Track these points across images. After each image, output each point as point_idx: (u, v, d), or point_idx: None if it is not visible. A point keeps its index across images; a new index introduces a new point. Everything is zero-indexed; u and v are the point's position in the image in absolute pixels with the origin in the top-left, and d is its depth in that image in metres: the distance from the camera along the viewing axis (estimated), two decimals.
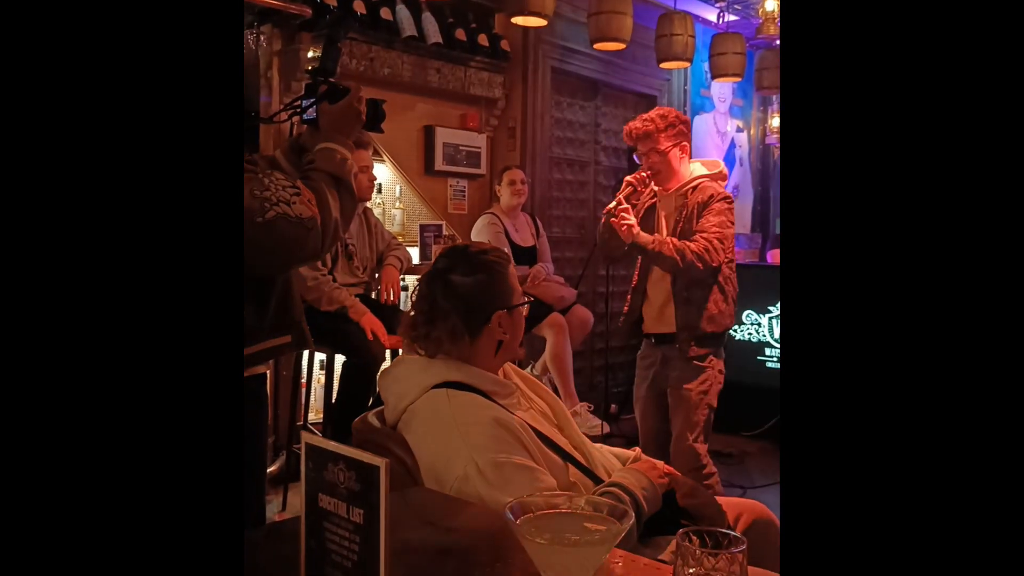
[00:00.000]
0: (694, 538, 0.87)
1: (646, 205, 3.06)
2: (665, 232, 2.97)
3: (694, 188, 2.95)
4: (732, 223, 2.92)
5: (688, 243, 2.83)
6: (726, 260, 2.92)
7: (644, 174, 2.96)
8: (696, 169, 3.00)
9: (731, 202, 2.94)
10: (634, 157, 3.09)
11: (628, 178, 2.98)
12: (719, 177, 3.01)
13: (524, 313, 1.73)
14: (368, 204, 4.39)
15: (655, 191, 3.04)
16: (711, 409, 2.99)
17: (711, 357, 2.97)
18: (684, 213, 2.93)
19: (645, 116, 2.96)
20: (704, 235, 2.83)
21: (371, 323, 3.04)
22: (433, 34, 4.10)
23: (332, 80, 1.72)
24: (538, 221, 4.35)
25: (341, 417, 3.01)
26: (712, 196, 2.90)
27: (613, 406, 4.98)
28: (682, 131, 2.96)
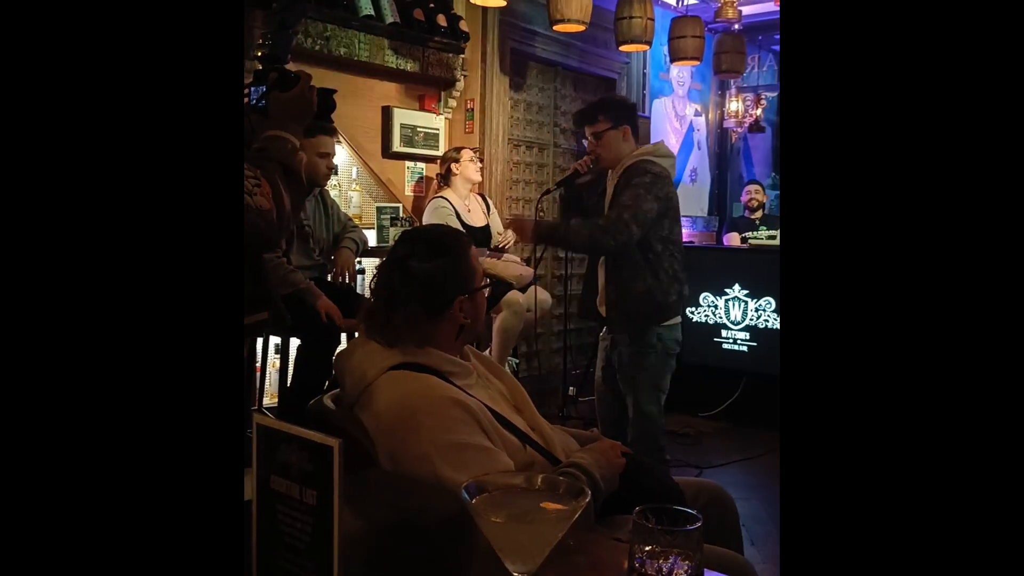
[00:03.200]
0: (650, 516, 0.87)
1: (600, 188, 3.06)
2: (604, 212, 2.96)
3: (631, 166, 2.92)
4: (658, 198, 2.82)
5: (594, 220, 2.83)
6: (657, 237, 2.86)
7: (588, 158, 2.97)
8: (639, 151, 2.97)
9: (659, 177, 2.85)
10: (583, 141, 3.11)
11: (575, 163, 3.00)
12: (660, 155, 2.95)
13: (486, 295, 1.72)
14: (323, 187, 4.34)
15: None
16: (660, 391, 2.98)
17: (655, 337, 2.92)
18: (617, 192, 2.90)
19: (591, 100, 3.02)
20: (614, 210, 2.80)
21: (326, 306, 3.00)
22: (391, 13, 4.05)
23: (283, 68, 1.69)
24: (488, 200, 4.33)
25: (296, 400, 2.97)
26: (633, 170, 2.86)
27: (572, 388, 5.00)
28: (624, 114, 2.95)
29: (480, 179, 4.19)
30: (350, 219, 3.60)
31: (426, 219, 4.08)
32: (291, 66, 1.75)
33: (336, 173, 4.43)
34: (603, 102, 3.00)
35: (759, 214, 6.38)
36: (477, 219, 4.14)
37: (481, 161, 4.22)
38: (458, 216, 4.02)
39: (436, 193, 4.19)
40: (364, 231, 3.77)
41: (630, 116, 2.99)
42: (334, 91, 1.81)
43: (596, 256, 2.88)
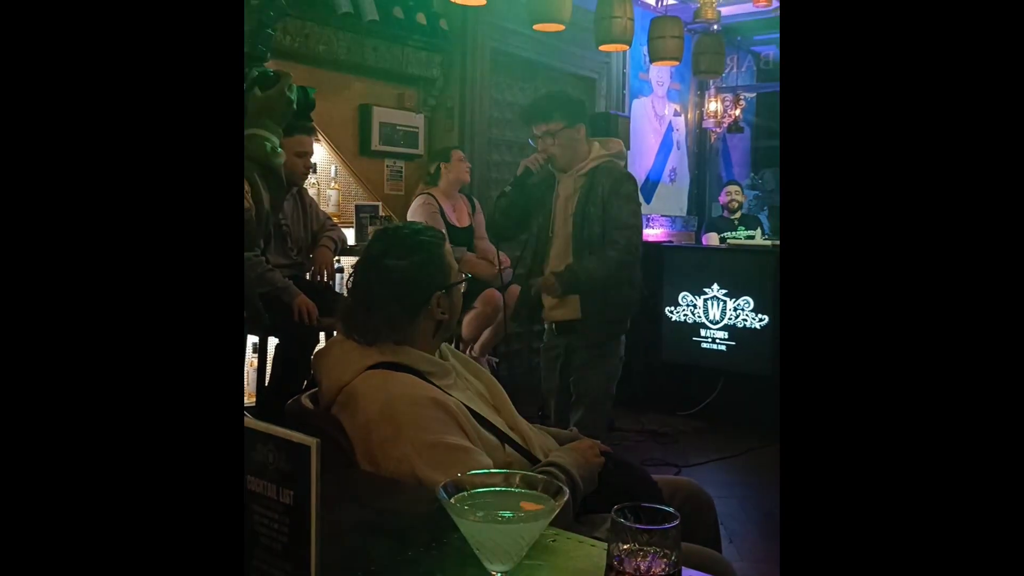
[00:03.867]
0: (629, 514, 0.87)
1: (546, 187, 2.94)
2: (565, 215, 2.84)
3: (597, 168, 2.81)
4: (640, 203, 2.84)
5: (608, 250, 2.73)
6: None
7: (540, 156, 2.85)
8: (595, 149, 2.86)
9: (635, 182, 2.85)
10: (529, 140, 2.99)
11: (524, 161, 2.88)
12: (622, 156, 2.95)
13: (462, 291, 1.72)
14: (300, 186, 4.32)
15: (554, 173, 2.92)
16: (611, 397, 2.95)
17: (614, 345, 2.89)
18: (590, 196, 2.79)
19: (537, 97, 2.89)
20: (622, 232, 2.73)
21: (304, 304, 2.99)
22: (370, 11, 4.03)
23: (263, 66, 1.67)
24: (475, 200, 4.33)
25: (274, 400, 2.96)
26: (619, 179, 2.78)
27: None
28: (579, 111, 2.84)
29: (468, 180, 4.20)
30: (328, 218, 3.59)
31: (410, 215, 4.07)
32: (270, 64, 1.74)
33: (315, 172, 4.40)
34: (556, 98, 2.86)
35: (738, 214, 6.42)
36: (462, 219, 4.14)
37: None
38: (443, 215, 4.01)
39: (422, 191, 4.19)
40: (343, 230, 3.75)
41: (584, 113, 2.89)
42: (314, 89, 1.80)
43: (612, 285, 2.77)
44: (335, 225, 3.56)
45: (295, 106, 1.70)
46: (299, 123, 3.04)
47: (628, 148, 5.42)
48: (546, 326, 3.01)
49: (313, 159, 4.39)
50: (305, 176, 3.26)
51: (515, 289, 4.14)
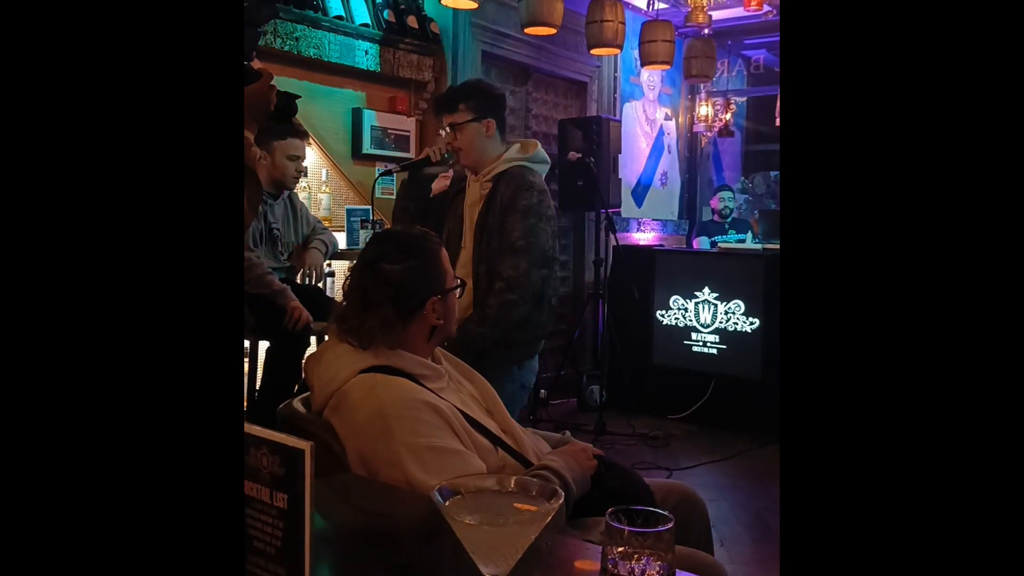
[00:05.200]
0: (623, 517, 0.87)
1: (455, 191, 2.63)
2: (471, 224, 2.47)
3: (503, 174, 2.45)
4: (549, 218, 2.41)
5: (491, 302, 2.32)
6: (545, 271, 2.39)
7: (443, 147, 2.53)
8: (511, 151, 2.50)
9: (544, 194, 2.42)
10: (440, 132, 2.65)
11: (427, 149, 2.59)
12: (537, 161, 2.52)
13: (458, 296, 1.71)
14: (292, 190, 4.30)
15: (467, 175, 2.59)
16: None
17: (514, 372, 2.45)
18: (491, 206, 2.43)
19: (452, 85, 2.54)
20: (509, 258, 2.32)
21: (298, 310, 2.97)
22: (361, 14, 4.03)
23: (247, 64, 1.67)
24: None
25: (266, 404, 2.94)
26: (519, 188, 2.38)
27: (543, 391, 5.01)
28: (491, 105, 2.51)
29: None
30: (319, 221, 3.58)
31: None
32: (254, 63, 1.74)
33: (306, 175, 4.39)
34: (465, 88, 2.56)
35: (729, 218, 6.45)
36: None
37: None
38: None
39: None
40: (334, 234, 3.74)
41: (496, 108, 2.53)
42: (297, 96, 1.79)
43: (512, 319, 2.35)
44: (326, 229, 3.55)
45: (273, 107, 1.68)
46: (287, 127, 3.03)
47: (620, 152, 5.44)
48: None
49: (305, 163, 4.40)
50: (297, 180, 3.25)
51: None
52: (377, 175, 3.17)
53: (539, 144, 2.57)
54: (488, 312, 2.34)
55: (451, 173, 2.64)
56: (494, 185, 2.44)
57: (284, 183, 3.15)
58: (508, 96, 5.26)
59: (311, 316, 2.98)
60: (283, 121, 1.78)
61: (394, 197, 4.44)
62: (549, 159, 2.58)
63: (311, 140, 4.12)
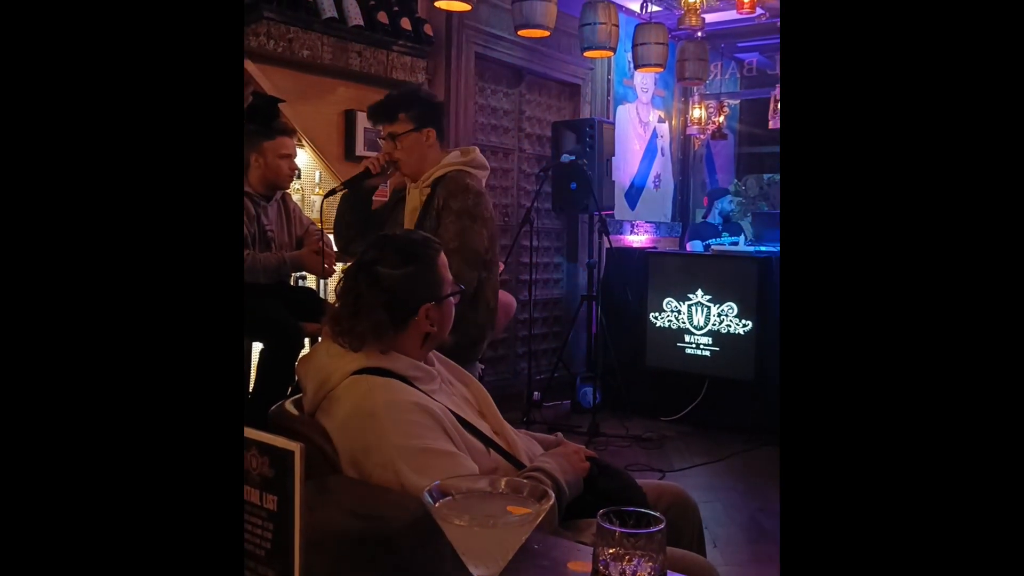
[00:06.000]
0: (614, 519, 0.87)
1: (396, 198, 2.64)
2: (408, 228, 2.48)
3: (441, 178, 2.46)
4: (484, 220, 2.42)
5: None
6: (483, 263, 2.43)
7: (382, 156, 2.53)
8: (450, 157, 2.52)
9: (481, 196, 2.45)
10: (377, 139, 2.68)
11: (366, 160, 2.61)
12: (476, 166, 2.52)
13: (454, 303, 1.70)
14: (287, 189, 4.28)
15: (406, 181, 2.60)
16: None
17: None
18: (428, 210, 2.46)
19: (388, 95, 2.54)
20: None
21: (313, 253, 3.00)
22: (354, 16, 4.02)
23: None
24: None
25: (258, 406, 2.93)
26: (454, 190, 2.40)
27: (536, 393, 5.01)
28: (430, 114, 2.51)
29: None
30: (312, 222, 3.56)
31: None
32: (252, 67, 1.73)
33: (299, 177, 4.38)
34: (405, 97, 2.53)
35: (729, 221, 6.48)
36: None
37: None
38: None
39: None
40: (327, 236, 3.71)
41: (436, 117, 2.54)
42: (280, 100, 1.77)
43: None
44: (320, 230, 3.52)
45: (249, 107, 1.66)
46: (276, 127, 3.02)
47: (613, 154, 5.44)
48: None
49: (298, 165, 4.38)
50: (291, 178, 3.21)
51: (508, 298, 4.08)
52: (324, 196, 3.19)
53: (478, 149, 2.58)
54: None
55: (387, 186, 2.62)
56: (432, 190, 2.45)
57: (279, 183, 3.13)
58: (501, 98, 5.28)
59: (301, 319, 2.97)
60: (262, 123, 1.76)
61: (387, 200, 4.46)
62: (488, 164, 2.58)
63: (304, 141, 4.12)
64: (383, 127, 2.51)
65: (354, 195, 2.65)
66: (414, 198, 2.52)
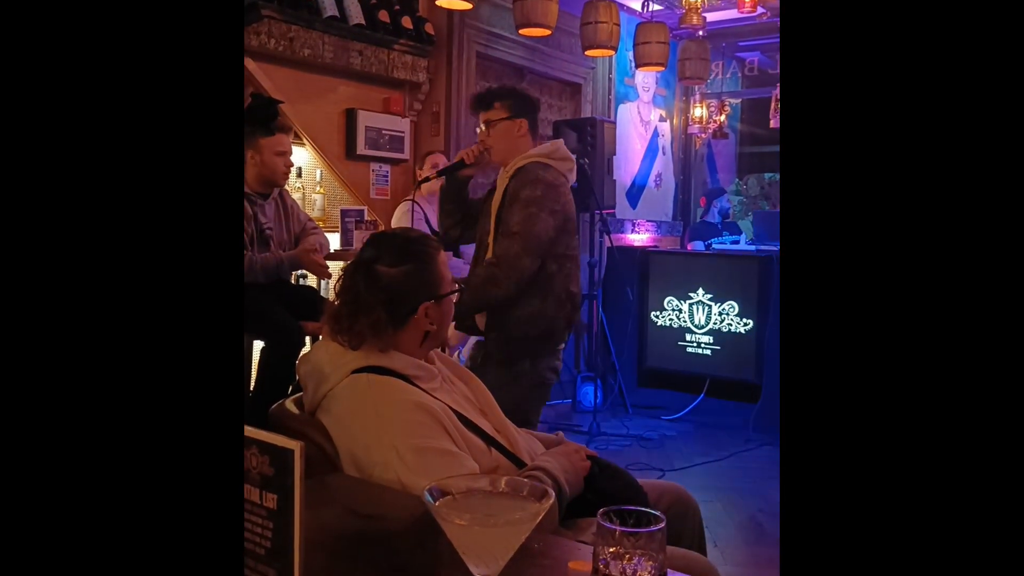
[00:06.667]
0: (615, 518, 0.87)
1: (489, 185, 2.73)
2: (492, 220, 2.57)
3: (521, 168, 2.54)
4: (554, 212, 2.47)
5: (483, 269, 2.45)
6: (551, 254, 2.49)
7: (476, 147, 2.65)
8: (534, 150, 2.60)
9: (552, 187, 2.50)
10: (476, 130, 2.77)
11: (461, 152, 2.70)
12: (556, 158, 2.59)
13: (454, 301, 1.70)
14: (287, 187, 4.28)
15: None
16: (527, 424, 2.47)
17: (527, 364, 2.51)
18: (505, 197, 2.54)
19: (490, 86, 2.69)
20: (501, 241, 2.44)
21: (311, 250, 2.99)
22: (355, 15, 4.02)
23: None
24: None
25: (259, 404, 2.93)
26: (524, 181, 2.48)
27: None
28: (524, 106, 2.62)
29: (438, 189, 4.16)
30: (310, 219, 3.54)
31: (395, 222, 4.07)
32: (253, 66, 1.73)
33: (300, 176, 4.38)
34: (503, 89, 2.72)
35: (727, 219, 6.48)
36: None
37: None
38: (427, 221, 4.01)
39: (410, 195, 4.19)
40: (327, 234, 3.71)
41: (530, 109, 2.65)
42: (279, 101, 1.77)
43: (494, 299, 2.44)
44: (318, 227, 3.50)
45: (250, 110, 1.67)
46: (273, 124, 3.01)
47: (614, 153, 5.44)
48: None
49: (298, 163, 4.39)
50: (287, 176, 3.19)
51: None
52: (416, 185, 3.37)
53: (563, 142, 2.68)
54: (472, 280, 2.46)
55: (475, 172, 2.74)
56: (512, 179, 2.54)
57: (275, 180, 3.12)
58: None
59: (302, 318, 2.97)
60: (260, 123, 1.77)
61: (388, 198, 4.46)
62: (572, 158, 2.67)
63: (304, 140, 4.12)
64: (480, 114, 2.65)
65: (450, 184, 2.77)
66: (500, 186, 2.61)
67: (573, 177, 2.65)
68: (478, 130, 2.70)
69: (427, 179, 2.89)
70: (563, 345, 2.63)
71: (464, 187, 2.77)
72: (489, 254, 2.53)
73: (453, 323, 2.42)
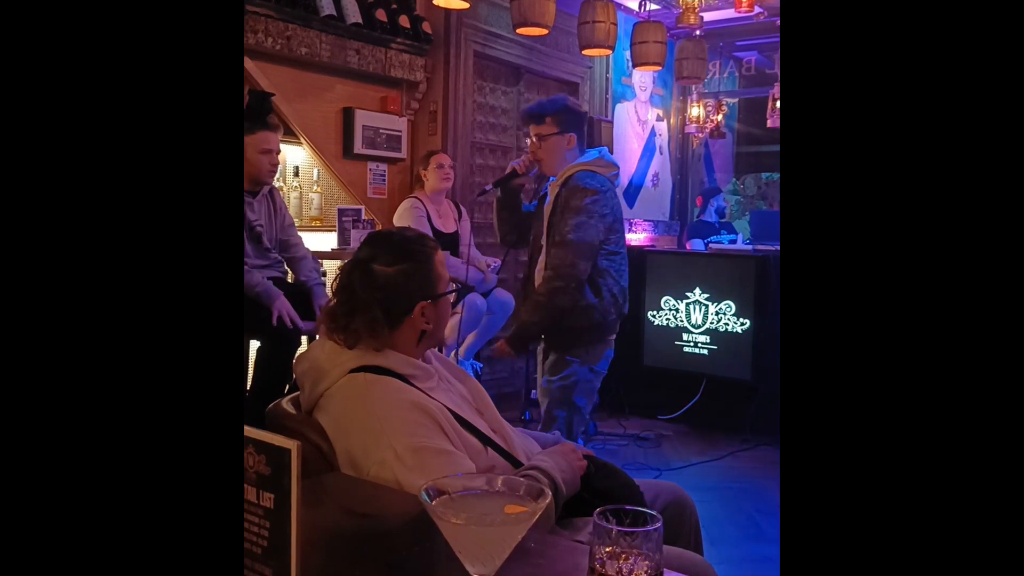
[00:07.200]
0: (611, 517, 0.87)
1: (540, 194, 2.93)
2: (545, 227, 2.79)
3: (569, 176, 2.73)
4: (603, 216, 2.68)
5: (543, 286, 2.67)
6: (602, 253, 2.72)
7: (528, 158, 2.82)
8: (582, 159, 2.80)
9: (601, 193, 2.70)
10: (526, 140, 3.00)
11: (512, 163, 2.88)
12: (601, 165, 2.79)
13: (450, 301, 1.70)
14: (282, 186, 4.28)
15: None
16: (572, 409, 2.80)
17: (581, 355, 2.76)
18: (556, 205, 2.74)
19: (540, 100, 2.84)
20: (555, 251, 2.66)
21: (283, 307, 2.94)
22: (353, 14, 4.02)
23: None
24: (461, 207, 4.33)
25: (256, 404, 2.92)
26: (573, 188, 2.68)
27: (534, 391, 5.01)
28: (574, 121, 2.79)
29: (446, 187, 4.18)
30: (294, 226, 3.44)
31: (397, 218, 4.07)
32: (250, 65, 1.73)
33: (297, 174, 4.38)
34: (554, 104, 2.83)
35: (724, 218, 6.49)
36: (447, 224, 4.15)
37: (452, 168, 4.20)
38: (429, 219, 4.02)
39: (411, 194, 4.20)
40: (324, 234, 3.71)
41: (579, 124, 2.82)
42: (271, 94, 1.78)
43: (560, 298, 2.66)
44: (299, 241, 3.37)
45: (248, 108, 1.67)
46: (256, 121, 2.99)
47: (611, 152, 5.44)
48: None
49: (296, 162, 4.38)
50: (273, 173, 3.17)
51: (506, 296, 4.18)
52: (477, 196, 3.68)
53: (607, 149, 2.93)
54: (538, 299, 2.68)
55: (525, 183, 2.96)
56: (561, 187, 2.74)
57: (259, 178, 3.10)
58: (500, 96, 5.27)
59: (299, 316, 2.96)
60: (255, 119, 1.77)
61: (385, 197, 4.46)
62: (616, 164, 2.86)
63: (301, 139, 4.11)
64: (531, 127, 2.80)
65: (504, 194, 2.96)
66: (551, 194, 2.80)
67: (619, 180, 2.87)
68: (528, 141, 2.86)
69: (484, 191, 3.05)
70: (613, 335, 2.83)
71: (517, 195, 2.97)
72: (542, 257, 2.76)
73: (509, 346, 2.74)
